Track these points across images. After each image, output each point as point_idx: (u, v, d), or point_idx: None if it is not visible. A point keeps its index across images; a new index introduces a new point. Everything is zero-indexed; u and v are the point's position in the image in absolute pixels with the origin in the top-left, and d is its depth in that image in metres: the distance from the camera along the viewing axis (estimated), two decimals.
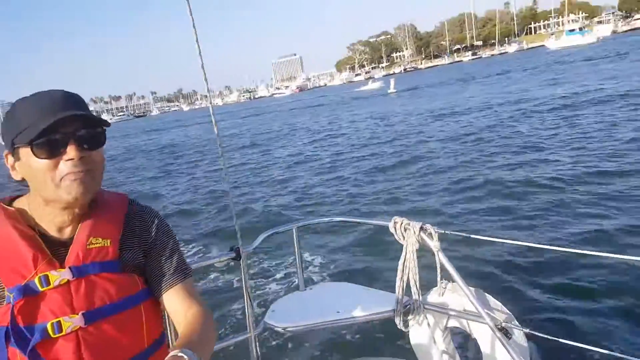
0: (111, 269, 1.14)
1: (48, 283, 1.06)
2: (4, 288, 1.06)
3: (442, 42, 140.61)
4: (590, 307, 4.44)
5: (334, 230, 7.54)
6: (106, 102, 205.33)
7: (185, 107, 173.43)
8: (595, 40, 77.34)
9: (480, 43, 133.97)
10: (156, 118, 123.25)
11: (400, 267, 2.35)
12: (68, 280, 1.08)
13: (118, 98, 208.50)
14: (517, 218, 7.18)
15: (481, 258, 5.68)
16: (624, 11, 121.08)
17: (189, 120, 66.89)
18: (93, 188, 1.11)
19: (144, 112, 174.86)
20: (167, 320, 1.53)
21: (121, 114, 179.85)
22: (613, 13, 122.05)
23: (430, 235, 2.23)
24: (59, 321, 1.05)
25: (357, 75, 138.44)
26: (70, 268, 1.09)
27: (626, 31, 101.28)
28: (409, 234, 2.30)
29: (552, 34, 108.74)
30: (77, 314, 1.07)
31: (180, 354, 0.98)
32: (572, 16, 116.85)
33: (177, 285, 1.25)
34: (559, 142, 11.84)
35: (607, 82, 22.16)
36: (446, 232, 2.30)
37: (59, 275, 1.07)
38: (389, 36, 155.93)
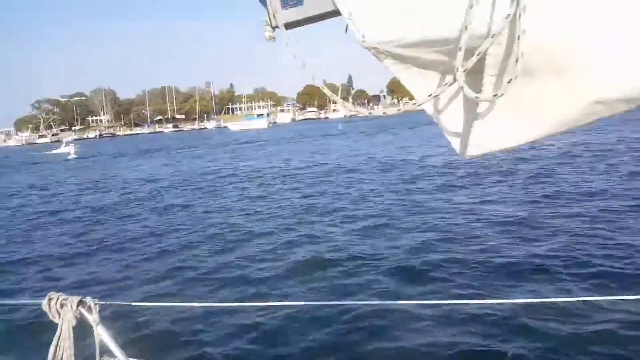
0: None
1: None
2: None
3: (143, 111, 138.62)
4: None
5: None
6: None
7: None
8: (266, 126, 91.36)
9: (182, 116, 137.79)
10: None
11: (52, 350, 2.10)
12: None
13: None
14: (180, 281, 7.64)
15: (147, 326, 5.79)
16: (301, 103, 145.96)
17: None
18: None
19: None
20: None
21: None
22: (293, 104, 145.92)
23: (89, 308, 2.12)
24: None
25: (41, 136, 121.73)
26: None
27: (301, 120, 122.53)
28: (65, 311, 2.12)
29: (246, 116, 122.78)
30: None
31: None
32: (262, 102, 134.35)
33: None
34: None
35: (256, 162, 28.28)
36: (108, 303, 2.27)
37: None
38: (83, 98, 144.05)
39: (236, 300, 6.41)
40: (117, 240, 10.93)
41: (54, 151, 55.30)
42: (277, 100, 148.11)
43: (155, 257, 9.26)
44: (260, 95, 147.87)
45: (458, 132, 1.22)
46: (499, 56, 1.08)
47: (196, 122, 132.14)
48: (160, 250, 9.64)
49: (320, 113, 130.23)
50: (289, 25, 1.33)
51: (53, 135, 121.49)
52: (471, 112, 1.17)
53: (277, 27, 1.34)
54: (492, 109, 1.13)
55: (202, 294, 6.96)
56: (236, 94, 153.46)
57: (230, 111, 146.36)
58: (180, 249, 9.61)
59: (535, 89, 1.09)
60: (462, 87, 1.08)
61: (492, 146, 1.18)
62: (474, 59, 1.06)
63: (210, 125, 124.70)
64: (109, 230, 12.30)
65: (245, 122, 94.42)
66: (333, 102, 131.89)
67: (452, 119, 1.22)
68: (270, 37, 1.36)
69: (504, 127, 1.15)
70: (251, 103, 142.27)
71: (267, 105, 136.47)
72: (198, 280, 7.61)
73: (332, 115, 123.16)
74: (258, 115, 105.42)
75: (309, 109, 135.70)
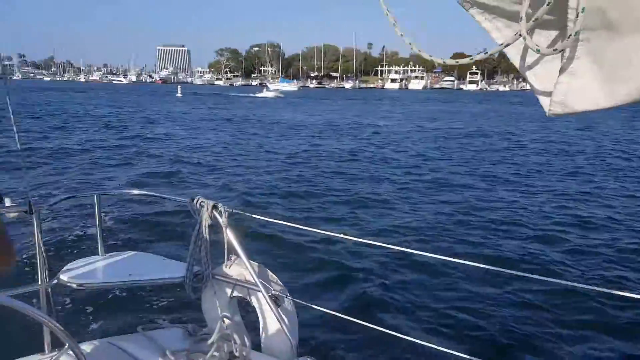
0: None
1: None
2: None
3: (303, 67, 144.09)
4: (351, 282, 5.03)
5: (137, 202, 7.43)
6: None
7: (47, 78, 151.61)
8: (296, 89, 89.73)
9: (336, 74, 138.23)
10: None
11: (193, 240, 2.38)
12: None
13: None
14: (298, 204, 8.40)
15: (266, 237, 6.17)
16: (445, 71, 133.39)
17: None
18: None
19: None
20: None
21: None
22: (434, 71, 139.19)
23: (220, 213, 2.31)
24: None
25: (217, 79, 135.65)
26: None
27: (435, 88, 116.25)
28: (203, 211, 2.33)
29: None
30: None
31: None
32: (395, 67, 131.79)
33: None
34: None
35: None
36: (235, 210, 2.37)
37: None
38: (256, 49, 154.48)
39: (362, 237, 5.80)
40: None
41: (259, 94, 63.04)
42: (431, 66, 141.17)
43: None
44: (416, 59, 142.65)
45: (541, 87, 1.05)
46: (564, 8, 0.90)
47: (336, 80, 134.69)
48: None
49: (455, 83, 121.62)
50: None
51: (227, 79, 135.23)
52: (551, 67, 1.01)
53: None
54: (572, 65, 0.96)
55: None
56: (399, 56, 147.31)
57: (379, 73, 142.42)
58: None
59: (619, 46, 0.90)
60: (524, 38, 0.93)
61: (575, 106, 1.00)
62: (544, 8, 0.90)
63: (347, 84, 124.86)
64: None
65: (279, 85, 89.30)
66: (471, 73, 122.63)
67: (534, 74, 1.06)
68: None
69: (586, 86, 0.97)
70: (406, 67, 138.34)
71: (400, 71, 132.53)
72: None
73: (467, 87, 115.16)
74: (282, 78, 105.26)
75: (445, 78, 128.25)
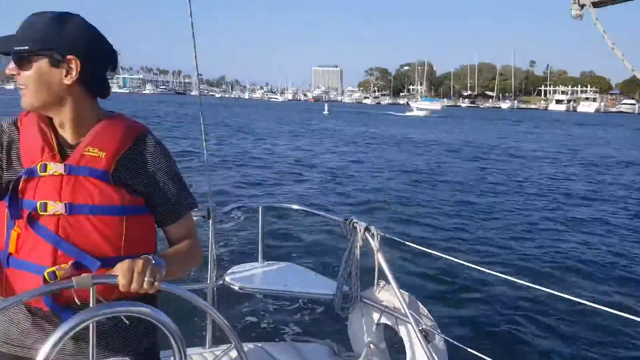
0: (100, 177, 1.18)
1: (45, 170, 1.17)
2: (22, 167, 1.20)
3: (455, 85, 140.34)
4: (507, 327, 4.66)
5: (296, 216, 7.74)
6: (155, 74, 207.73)
7: (217, 95, 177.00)
8: (439, 108, 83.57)
9: (492, 93, 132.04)
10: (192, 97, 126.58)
11: (344, 259, 2.39)
12: (61, 174, 1.17)
13: (165, 72, 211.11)
14: (454, 238, 7.75)
15: (418, 266, 5.93)
16: (625, 93, 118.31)
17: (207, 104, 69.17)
18: (31, 101, 1.18)
19: (184, 90, 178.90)
20: None
21: (163, 87, 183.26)
22: (611, 93, 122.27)
23: (372, 235, 2.27)
24: (46, 203, 1.15)
25: (365, 98, 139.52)
26: (65, 164, 1.18)
27: (611, 112, 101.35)
28: (355, 232, 2.33)
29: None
30: (61, 202, 1.15)
31: (149, 257, 1.11)
32: (562, 87, 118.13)
33: (176, 223, 1.34)
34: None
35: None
36: (387, 235, 2.33)
37: (55, 167, 1.17)
38: (406, 68, 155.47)
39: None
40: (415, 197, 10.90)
41: (407, 113, 64.63)
42: (607, 87, 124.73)
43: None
44: (588, 79, 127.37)
45: None
46: None
47: (492, 100, 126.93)
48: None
49: (636, 107, 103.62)
50: (597, 4, 1.11)
51: (374, 97, 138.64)
52: None
53: (585, 4, 1.13)
54: None
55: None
56: (567, 75, 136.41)
57: (543, 93, 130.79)
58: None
59: None
60: None
61: None
62: None
63: (504, 105, 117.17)
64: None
65: (421, 103, 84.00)
66: None
67: None
68: (577, 15, 1.14)
69: None
70: (575, 87, 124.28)
71: (568, 91, 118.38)
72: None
73: None
74: (424, 97, 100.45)
75: (624, 101, 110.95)
